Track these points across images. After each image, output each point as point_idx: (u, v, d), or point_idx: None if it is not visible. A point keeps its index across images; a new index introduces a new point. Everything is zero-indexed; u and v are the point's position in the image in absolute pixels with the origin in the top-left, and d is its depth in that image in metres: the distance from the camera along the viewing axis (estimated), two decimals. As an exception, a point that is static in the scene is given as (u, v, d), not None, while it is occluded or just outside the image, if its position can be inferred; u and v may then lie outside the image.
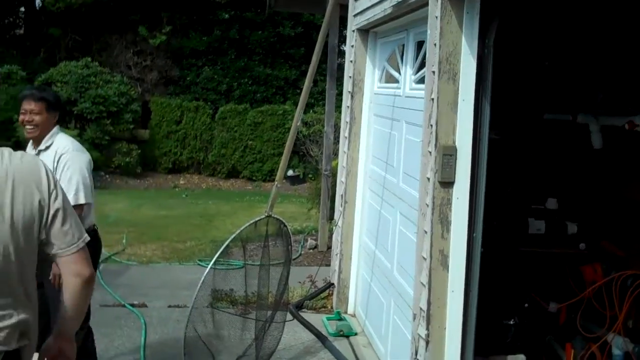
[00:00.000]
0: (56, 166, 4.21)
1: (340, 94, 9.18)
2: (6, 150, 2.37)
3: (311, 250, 9.28)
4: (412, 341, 4.28)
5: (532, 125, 5.60)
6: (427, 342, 4.02)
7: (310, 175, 16.00)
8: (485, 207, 3.96)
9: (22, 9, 21.21)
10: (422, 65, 4.93)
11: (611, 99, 5.24)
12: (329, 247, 8.94)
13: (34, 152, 4.34)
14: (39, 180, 2.35)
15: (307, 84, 5.27)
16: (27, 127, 4.33)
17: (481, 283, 4.02)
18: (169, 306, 6.69)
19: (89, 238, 2.47)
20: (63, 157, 4.25)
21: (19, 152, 2.42)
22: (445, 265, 3.93)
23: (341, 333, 6.07)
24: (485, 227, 4.02)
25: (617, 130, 5.05)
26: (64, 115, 16.76)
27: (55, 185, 2.39)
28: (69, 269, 2.40)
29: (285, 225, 5.49)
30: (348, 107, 6.53)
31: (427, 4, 4.11)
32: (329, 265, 7.37)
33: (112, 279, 7.50)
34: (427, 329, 4.01)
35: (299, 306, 6.76)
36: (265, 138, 18.20)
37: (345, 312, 6.57)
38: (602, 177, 5.35)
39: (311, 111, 18.43)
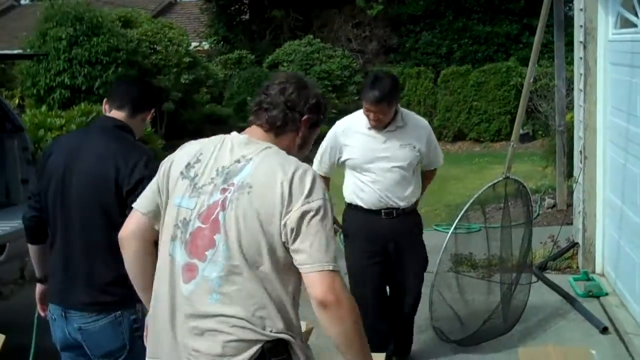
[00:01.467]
0: None
1: (567, 45, 8.78)
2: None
3: (549, 210, 9.00)
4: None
5: None
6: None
7: (540, 132, 15.45)
8: None
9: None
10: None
11: None
12: (569, 206, 8.61)
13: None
14: None
15: (538, 37, 5.12)
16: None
17: None
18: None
19: None
20: None
21: None
22: None
23: (590, 294, 5.85)
24: None
25: None
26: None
27: None
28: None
29: (524, 186, 5.39)
30: (581, 58, 6.22)
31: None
32: (570, 224, 7.13)
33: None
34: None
35: (543, 267, 6.60)
36: (490, 98, 17.78)
37: (593, 272, 6.31)
38: None
39: (537, 65, 17.75)
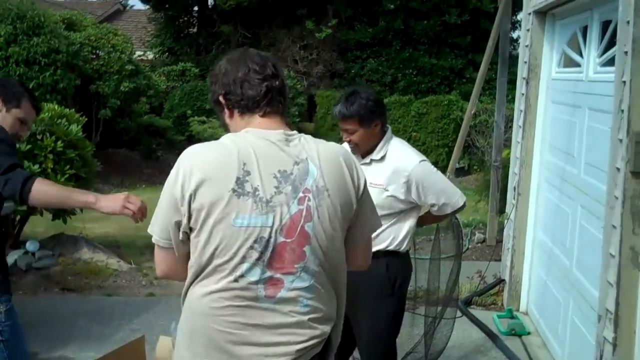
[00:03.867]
0: None
1: (509, 83, 8.81)
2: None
3: (479, 245, 8.97)
4: (596, 345, 3.95)
5: None
6: (614, 346, 3.69)
7: (475, 167, 15.58)
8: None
9: (196, 8, 22.08)
10: (608, 46, 4.57)
11: None
12: (498, 242, 8.59)
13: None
14: None
15: (482, 73, 5.03)
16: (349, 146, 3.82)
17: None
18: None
19: None
20: None
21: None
22: (636, 263, 3.58)
23: (513, 332, 5.77)
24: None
25: None
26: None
27: None
28: None
29: (456, 219, 5.27)
30: (523, 94, 6.19)
31: (618, -22, 3.77)
32: (499, 260, 7.07)
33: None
34: (615, 332, 3.67)
35: (468, 302, 6.52)
36: (430, 129, 17.89)
37: (517, 310, 6.25)
38: None
39: (477, 101, 17.98)
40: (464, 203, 3.84)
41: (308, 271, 2.20)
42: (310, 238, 2.18)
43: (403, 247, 3.77)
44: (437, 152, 17.55)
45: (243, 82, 2.26)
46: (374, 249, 3.69)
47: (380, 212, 3.64)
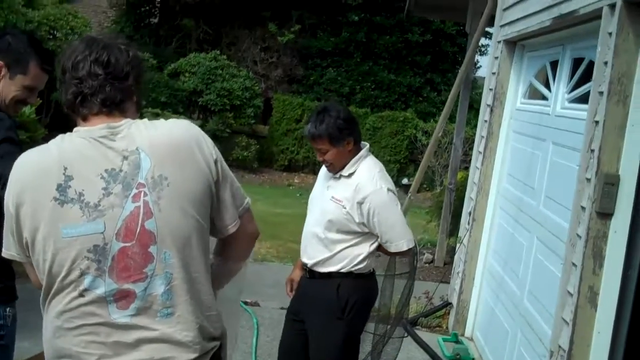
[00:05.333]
0: None
1: (470, 106, 8.89)
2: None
3: (427, 265, 9.00)
4: (545, 379, 3.97)
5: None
6: (564, 384, 3.71)
7: (425, 186, 15.69)
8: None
9: (159, -2, 21.80)
10: (578, 83, 4.61)
11: None
12: (446, 264, 8.65)
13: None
14: None
15: (452, 97, 5.01)
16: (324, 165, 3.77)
17: (631, 326, 3.66)
18: (282, 308, 6.55)
19: None
20: None
21: None
22: (593, 303, 3.60)
23: (457, 357, 5.77)
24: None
25: None
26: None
27: None
28: None
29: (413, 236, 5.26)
30: (486, 121, 6.22)
31: (598, 18, 3.79)
32: (447, 282, 7.09)
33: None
34: (566, 369, 3.69)
35: (414, 323, 6.51)
36: (384, 144, 17.97)
37: (463, 335, 6.27)
38: None
39: (432, 121, 18.14)
40: (410, 249, 3.74)
41: (161, 274, 1.97)
42: (155, 237, 1.96)
43: (360, 269, 3.69)
44: (388, 167, 17.51)
45: (62, 83, 2.07)
46: (328, 269, 3.69)
47: (339, 230, 3.64)
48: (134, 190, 1.95)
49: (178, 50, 19.72)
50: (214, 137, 16.03)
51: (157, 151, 1.99)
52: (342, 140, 3.62)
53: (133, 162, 1.97)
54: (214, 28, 20.18)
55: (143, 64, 2.18)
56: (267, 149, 18.66)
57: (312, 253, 3.74)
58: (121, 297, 1.96)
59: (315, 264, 3.71)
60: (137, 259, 1.95)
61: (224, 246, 2.29)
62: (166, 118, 2.16)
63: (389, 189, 3.63)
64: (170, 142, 2.03)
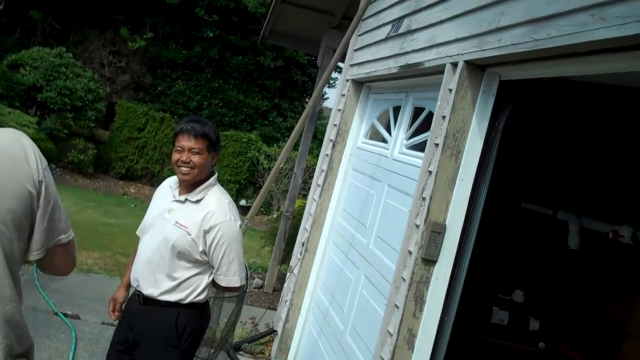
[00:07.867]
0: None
1: (314, 136, 9.06)
2: None
3: (256, 290, 9.01)
4: (358, 415, 4.07)
5: (509, 213, 5.50)
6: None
7: (262, 209, 15.76)
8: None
9: (5, -16, 20.74)
10: (416, 132, 4.81)
11: (599, 203, 5.17)
12: (275, 290, 8.71)
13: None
14: None
15: (298, 127, 5.08)
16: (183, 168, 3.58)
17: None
18: (103, 323, 6.35)
19: None
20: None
21: None
22: (411, 345, 3.74)
23: (276, 385, 5.83)
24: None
25: (600, 237, 4.96)
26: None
27: None
28: None
29: (245, 262, 5.25)
30: (327, 155, 6.35)
31: (441, 73, 3.99)
32: (274, 309, 7.14)
33: (48, 283, 7.10)
34: (379, 406, 3.81)
35: (238, 348, 6.50)
36: (225, 163, 17.94)
37: (284, 364, 6.33)
38: (574, 278, 5.26)
39: (276, 145, 18.33)
40: (239, 286, 3.72)
41: None
42: None
43: (200, 300, 3.65)
44: (227, 186, 17.57)
45: None
46: (168, 298, 3.60)
47: (181, 257, 3.57)
48: None
49: (21, 42, 18.80)
50: (50, 136, 15.39)
51: None
52: (215, 151, 3.60)
53: None
54: (63, 24, 19.43)
55: None
56: (105, 154, 18.11)
57: (149, 281, 3.61)
58: None
59: (154, 292, 3.61)
60: None
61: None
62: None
63: (240, 225, 3.63)
64: None
